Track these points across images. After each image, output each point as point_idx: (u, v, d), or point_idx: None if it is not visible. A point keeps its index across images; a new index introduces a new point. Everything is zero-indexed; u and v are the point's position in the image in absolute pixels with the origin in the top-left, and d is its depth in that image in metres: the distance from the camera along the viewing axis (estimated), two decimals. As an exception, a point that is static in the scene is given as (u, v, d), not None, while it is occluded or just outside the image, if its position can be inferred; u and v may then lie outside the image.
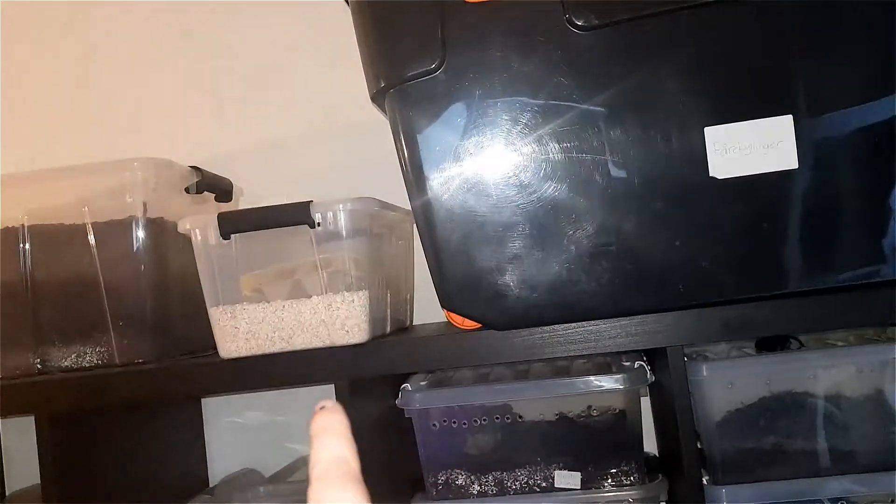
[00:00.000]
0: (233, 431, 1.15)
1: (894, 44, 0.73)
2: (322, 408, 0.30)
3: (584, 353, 0.87)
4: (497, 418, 0.97)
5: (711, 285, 0.76)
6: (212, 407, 1.15)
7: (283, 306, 0.82)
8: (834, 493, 0.88)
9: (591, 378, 0.93)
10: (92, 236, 0.93)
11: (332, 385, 0.84)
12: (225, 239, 0.81)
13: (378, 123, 0.94)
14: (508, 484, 0.95)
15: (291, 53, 1.23)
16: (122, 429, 0.97)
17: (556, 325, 0.78)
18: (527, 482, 0.95)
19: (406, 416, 0.97)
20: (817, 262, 0.75)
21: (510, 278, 0.77)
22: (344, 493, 0.27)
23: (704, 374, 0.92)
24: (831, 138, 0.74)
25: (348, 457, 0.29)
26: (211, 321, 0.84)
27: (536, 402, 0.96)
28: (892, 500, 0.89)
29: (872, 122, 0.74)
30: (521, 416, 0.97)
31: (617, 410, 0.94)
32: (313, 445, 0.29)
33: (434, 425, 0.98)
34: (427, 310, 1.13)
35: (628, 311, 0.77)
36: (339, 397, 0.84)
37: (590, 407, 0.96)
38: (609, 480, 0.93)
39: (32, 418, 0.87)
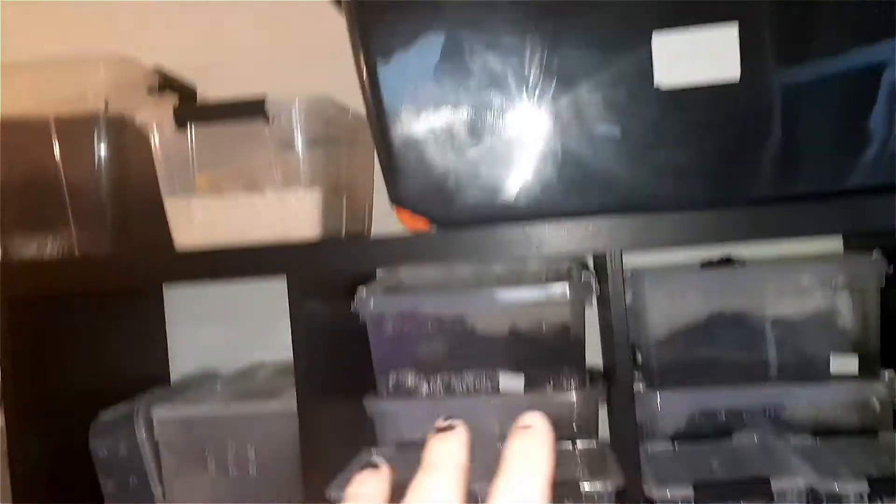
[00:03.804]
0: (195, 336, 1.18)
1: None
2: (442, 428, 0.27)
3: (530, 256, 0.89)
4: (449, 326, 1.00)
5: (654, 192, 0.79)
6: (174, 310, 1.18)
7: (238, 200, 0.84)
8: (763, 401, 0.93)
9: (539, 287, 0.96)
10: (54, 131, 0.94)
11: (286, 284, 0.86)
12: (180, 128, 0.82)
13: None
14: (456, 386, 0.99)
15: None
16: (83, 321, 1.00)
17: (503, 226, 0.81)
18: (473, 384, 0.99)
19: (360, 320, 1.00)
20: (763, 172, 0.77)
21: (459, 176, 0.79)
22: None
23: (647, 284, 0.95)
24: (775, 52, 0.76)
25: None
26: (167, 212, 0.86)
27: (488, 312, 0.99)
28: (818, 409, 0.93)
29: (820, 42, 0.76)
30: (472, 326, 1.00)
31: (563, 321, 0.98)
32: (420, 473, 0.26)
33: (387, 329, 1.01)
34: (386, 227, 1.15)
35: (573, 214, 0.79)
36: (293, 294, 0.86)
37: (539, 320, 0.99)
38: (551, 385, 0.97)
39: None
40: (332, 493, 0.86)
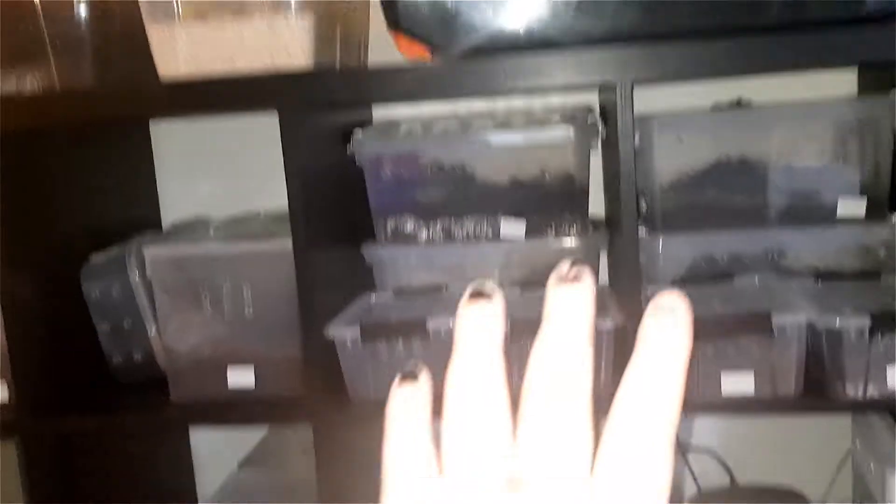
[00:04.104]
0: (186, 185, 1.15)
1: None
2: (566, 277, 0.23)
3: (536, 89, 0.85)
4: (448, 170, 0.97)
5: (666, 18, 0.74)
6: (164, 155, 1.14)
7: (224, 27, 0.79)
8: (766, 245, 0.91)
9: (544, 129, 0.93)
10: (24, -46, 0.87)
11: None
12: (159, -56, 0.76)
13: None
14: (455, 232, 0.97)
15: None
16: (70, 161, 0.97)
17: (508, 55, 0.76)
18: (473, 230, 0.97)
19: (357, 164, 0.97)
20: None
21: (461, -1, 0.74)
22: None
23: (655, 127, 0.92)
24: None
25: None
26: (150, 41, 0.81)
27: (490, 156, 0.96)
28: (821, 254, 0.92)
29: None
30: (473, 171, 0.97)
31: (567, 167, 0.95)
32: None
33: (385, 173, 0.98)
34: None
35: (582, 40, 0.75)
36: (286, 133, 0.83)
37: (542, 166, 0.96)
38: (552, 231, 0.95)
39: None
40: (330, 332, 0.85)
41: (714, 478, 1.07)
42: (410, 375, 0.24)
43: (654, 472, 0.21)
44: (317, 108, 0.87)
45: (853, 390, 0.78)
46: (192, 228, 1.01)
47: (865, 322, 0.75)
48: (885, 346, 0.77)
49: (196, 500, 1.15)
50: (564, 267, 0.23)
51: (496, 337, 0.23)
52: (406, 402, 0.23)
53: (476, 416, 0.22)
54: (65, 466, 0.95)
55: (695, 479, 1.05)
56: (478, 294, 0.24)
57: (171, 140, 1.14)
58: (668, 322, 0.23)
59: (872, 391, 0.78)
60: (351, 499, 0.89)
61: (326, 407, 0.86)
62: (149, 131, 1.14)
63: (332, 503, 0.87)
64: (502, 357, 0.23)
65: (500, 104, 1.08)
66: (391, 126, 1.03)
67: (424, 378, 0.24)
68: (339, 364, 0.87)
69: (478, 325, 0.23)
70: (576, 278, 0.23)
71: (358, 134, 0.95)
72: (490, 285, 0.24)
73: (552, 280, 0.23)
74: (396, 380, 0.24)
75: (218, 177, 1.15)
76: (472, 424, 0.22)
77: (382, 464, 0.23)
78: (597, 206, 1.03)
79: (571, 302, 0.23)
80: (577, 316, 0.23)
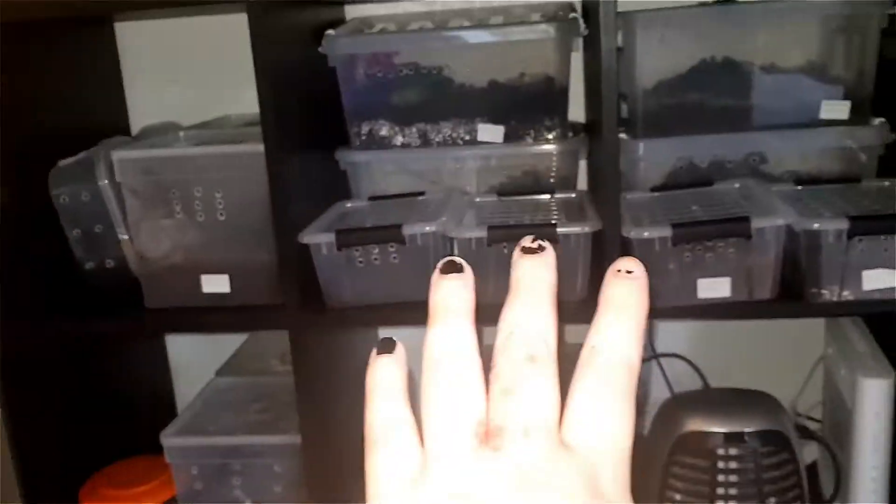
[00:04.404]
0: (154, 91, 1.10)
1: None
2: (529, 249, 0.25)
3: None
4: (425, 73, 0.94)
5: None
6: (130, 61, 1.09)
7: (185, -89, 0.74)
8: (747, 149, 0.90)
9: (524, 27, 0.90)
10: None
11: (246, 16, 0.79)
12: None
13: None
14: (432, 136, 0.95)
15: None
16: (34, 65, 0.93)
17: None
18: (450, 135, 0.94)
19: (330, 65, 0.93)
20: None
21: None
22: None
23: (638, 26, 0.88)
24: None
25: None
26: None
27: (468, 55, 0.93)
28: (802, 159, 0.91)
29: None
30: (450, 74, 0.94)
31: (546, 70, 0.92)
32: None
33: (359, 74, 0.95)
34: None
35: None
36: (255, 28, 0.79)
37: (522, 69, 0.93)
38: (531, 135, 0.93)
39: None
40: (304, 238, 0.84)
41: (687, 383, 1.08)
42: (387, 347, 0.26)
43: (615, 424, 0.23)
44: (286, 4, 0.84)
45: (829, 294, 0.78)
46: (161, 133, 0.98)
47: (843, 225, 0.75)
48: (862, 250, 0.76)
49: (175, 408, 1.16)
50: (527, 240, 0.26)
51: (468, 307, 0.25)
52: (384, 373, 0.25)
53: (451, 380, 0.24)
54: (42, 375, 0.95)
55: (668, 383, 1.07)
56: (449, 268, 0.26)
57: (138, 45, 1.10)
58: (627, 283, 0.25)
59: (848, 295, 0.78)
60: (328, 403, 0.90)
61: (302, 313, 0.86)
62: (114, 35, 1.09)
63: (310, 405, 0.87)
64: (473, 325, 0.25)
65: (478, 2, 1.04)
66: (364, 24, 0.99)
67: (400, 349, 0.26)
68: (315, 270, 0.86)
69: (450, 296, 0.25)
70: (540, 249, 0.25)
71: (330, 33, 0.91)
72: (459, 259, 0.26)
73: (516, 252, 0.25)
74: (374, 352, 0.26)
75: (187, 83, 1.11)
76: (447, 388, 0.24)
77: (365, 433, 0.24)
78: (576, 112, 1.00)
79: (535, 272, 0.25)
80: (541, 284, 0.25)
